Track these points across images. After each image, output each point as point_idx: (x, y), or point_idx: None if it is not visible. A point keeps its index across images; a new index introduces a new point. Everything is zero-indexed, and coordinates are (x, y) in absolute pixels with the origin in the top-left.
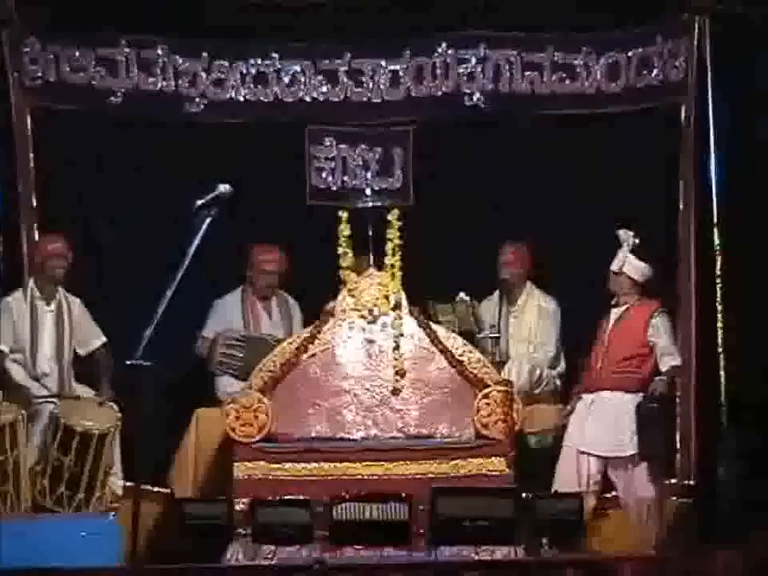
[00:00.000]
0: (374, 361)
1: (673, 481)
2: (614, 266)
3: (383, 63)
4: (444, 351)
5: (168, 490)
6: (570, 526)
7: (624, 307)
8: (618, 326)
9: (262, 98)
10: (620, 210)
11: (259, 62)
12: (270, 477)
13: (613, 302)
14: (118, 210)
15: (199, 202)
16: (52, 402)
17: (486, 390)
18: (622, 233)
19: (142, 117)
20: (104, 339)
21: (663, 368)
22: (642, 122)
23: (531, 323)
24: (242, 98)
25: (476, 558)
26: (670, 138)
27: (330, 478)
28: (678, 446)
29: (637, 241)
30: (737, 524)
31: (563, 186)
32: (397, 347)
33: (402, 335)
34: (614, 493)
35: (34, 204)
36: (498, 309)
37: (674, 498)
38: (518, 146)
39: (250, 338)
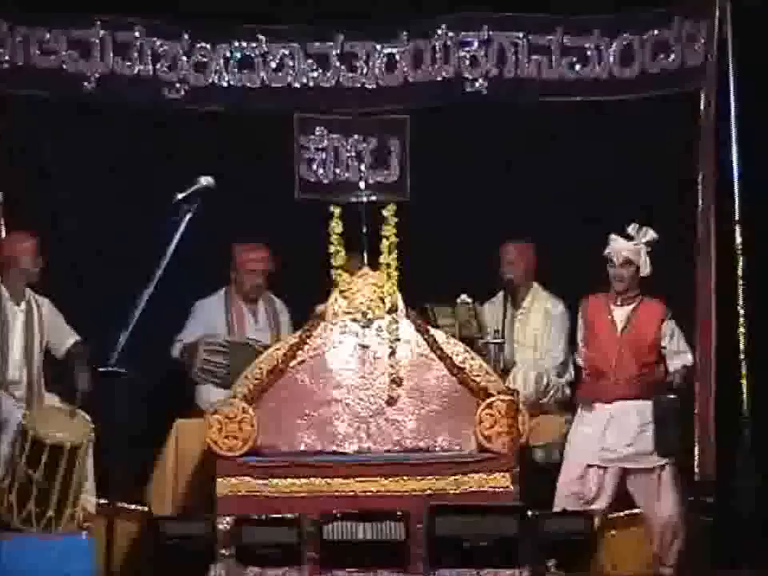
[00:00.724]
0: (368, 368)
1: (690, 498)
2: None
3: (378, 46)
4: (444, 358)
5: (145, 508)
6: (578, 546)
7: (630, 307)
8: (629, 328)
9: (247, 84)
10: (633, 205)
11: (244, 44)
12: (256, 493)
13: (618, 302)
14: (91, 206)
15: (179, 196)
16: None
17: (489, 400)
18: (633, 228)
19: (117, 103)
20: (78, 337)
21: (673, 368)
22: (657, 111)
23: (537, 327)
24: (225, 84)
25: None
26: (687, 128)
27: (320, 494)
28: (696, 458)
29: (653, 235)
30: (758, 542)
31: (572, 180)
32: (393, 353)
33: (398, 340)
34: (628, 511)
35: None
36: (503, 312)
37: (692, 515)
38: (524, 135)
39: (233, 343)
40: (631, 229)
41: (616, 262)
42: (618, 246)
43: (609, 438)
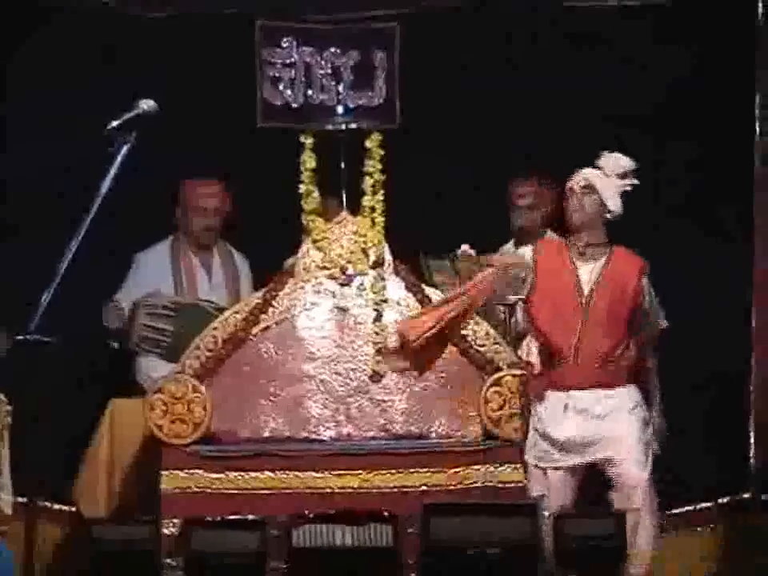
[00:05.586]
0: (347, 336)
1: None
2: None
3: None
4: None
5: (73, 508)
6: (607, 553)
7: (599, 263)
8: (599, 289)
9: None
10: (673, 133)
11: None
12: (209, 490)
13: (583, 253)
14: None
15: (113, 124)
16: None
17: (498, 375)
18: (604, 158)
19: (38, 6)
20: None
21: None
22: (703, 16)
23: None
24: None
25: None
26: (742, 36)
27: (288, 491)
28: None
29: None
30: None
31: (600, 103)
32: (378, 317)
33: (384, 301)
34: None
35: None
36: None
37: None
38: (545, 48)
39: (181, 304)
40: (602, 159)
41: (576, 188)
42: (580, 174)
43: (566, 427)
